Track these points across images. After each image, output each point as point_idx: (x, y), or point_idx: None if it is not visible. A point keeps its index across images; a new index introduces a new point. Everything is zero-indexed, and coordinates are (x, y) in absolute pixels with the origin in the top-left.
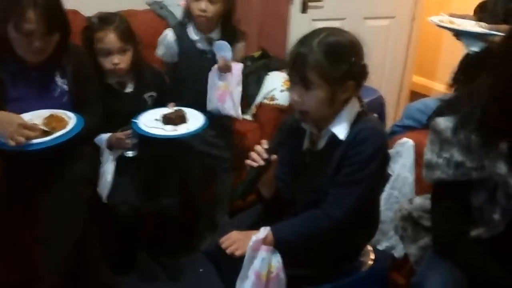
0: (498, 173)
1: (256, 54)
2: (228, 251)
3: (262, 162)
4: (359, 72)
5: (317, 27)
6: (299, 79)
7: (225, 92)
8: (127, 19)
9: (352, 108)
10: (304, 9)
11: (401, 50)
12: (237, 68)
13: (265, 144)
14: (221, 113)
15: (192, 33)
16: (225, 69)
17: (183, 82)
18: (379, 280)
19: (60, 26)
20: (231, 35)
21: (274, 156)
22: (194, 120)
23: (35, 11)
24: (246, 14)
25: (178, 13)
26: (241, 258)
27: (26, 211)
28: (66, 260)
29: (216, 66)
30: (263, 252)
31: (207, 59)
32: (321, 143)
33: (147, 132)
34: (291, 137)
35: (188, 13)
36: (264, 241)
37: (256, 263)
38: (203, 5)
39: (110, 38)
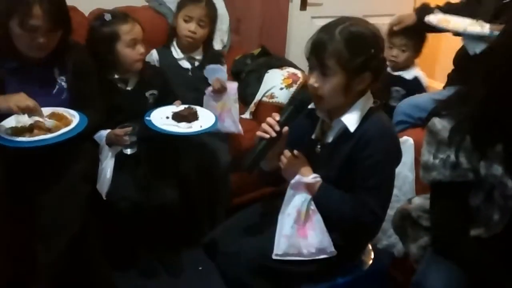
0: (494, 174)
1: (256, 51)
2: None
3: (274, 134)
4: (377, 64)
5: (316, 24)
6: (317, 64)
7: (223, 111)
8: None
9: (366, 102)
10: (304, 6)
11: None
12: (233, 87)
13: (277, 116)
14: (221, 130)
15: (175, 52)
16: (221, 90)
17: None
18: (379, 279)
19: (63, 23)
20: (214, 56)
21: (285, 129)
22: (205, 117)
23: (41, 7)
24: (246, 12)
25: None
26: (237, 254)
27: (25, 208)
28: (65, 256)
29: (210, 89)
30: (305, 194)
31: (189, 77)
32: (331, 135)
33: (163, 130)
34: (300, 113)
35: (173, 32)
36: (307, 185)
37: (298, 201)
38: (193, 27)
39: (138, 28)
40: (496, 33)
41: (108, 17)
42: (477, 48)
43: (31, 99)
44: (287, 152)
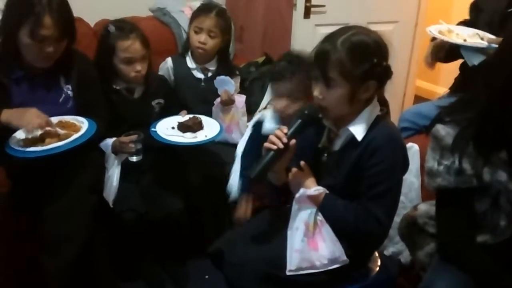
0: (499, 181)
1: (260, 59)
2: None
3: (281, 146)
4: (381, 73)
5: (320, 32)
6: (320, 75)
7: (231, 123)
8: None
9: (372, 110)
10: (307, 14)
11: (404, 54)
12: (241, 100)
13: (285, 129)
14: (229, 141)
15: (190, 62)
16: (229, 102)
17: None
18: (387, 286)
19: (70, 32)
20: (227, 68)
21: (293, 141)
22: (210, 126)
23: (51, 16)
24: (249, 20)
25: (181, 19)
26: (244, 264)
27: (32, 218)
28: (71, 267)
29: (218, 100)
30: (311, 206)
31: (202, 88)
32: (338, 143)
33: (169, 141)
34: (308, 126)
35: (187, 43)
36: (311, 197)
37: (304, 215)
38: (203, 38)
39: (136, 46)
40: (494, 45)
41: (112, 28)
42: (475, 60)
43: (42, 115)
44: (294, 168)
